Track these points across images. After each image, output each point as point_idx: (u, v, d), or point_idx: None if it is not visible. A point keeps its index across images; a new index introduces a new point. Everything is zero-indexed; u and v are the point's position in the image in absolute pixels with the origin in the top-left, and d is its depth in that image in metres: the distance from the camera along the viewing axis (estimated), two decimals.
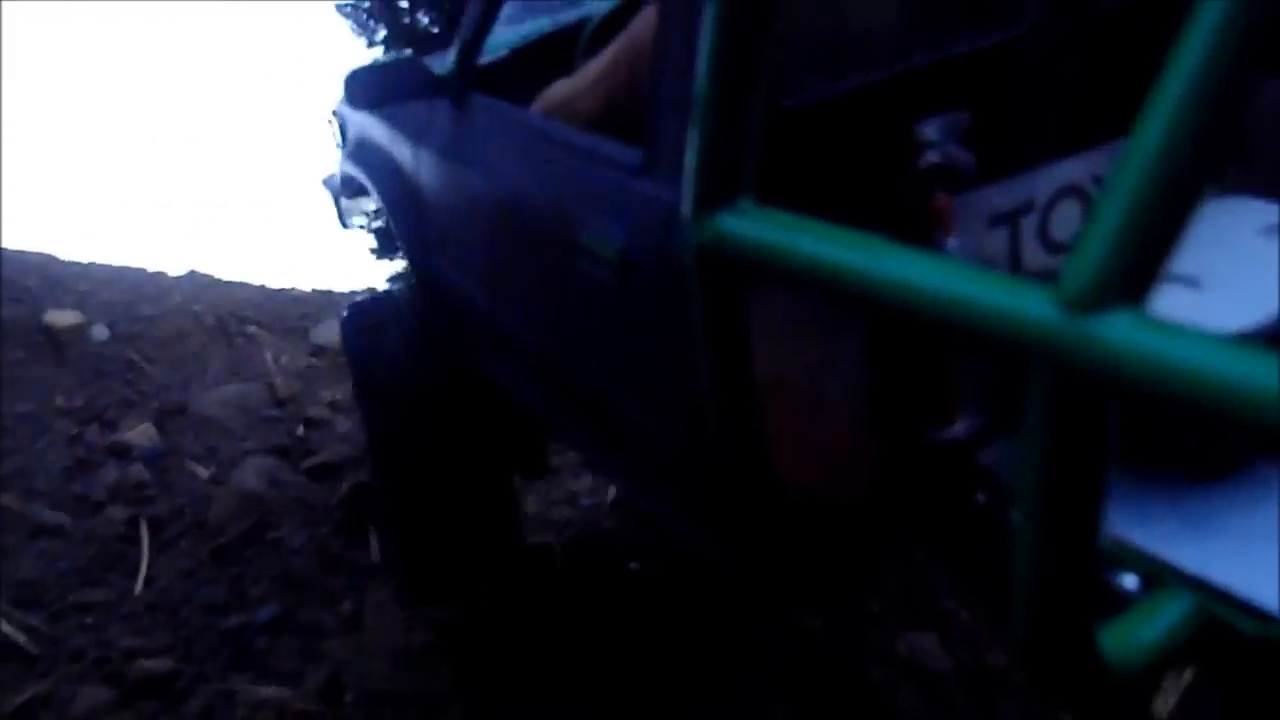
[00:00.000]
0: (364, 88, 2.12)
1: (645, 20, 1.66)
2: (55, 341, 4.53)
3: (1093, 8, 1.46)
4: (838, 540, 1.39)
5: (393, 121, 2.40)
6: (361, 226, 3.22)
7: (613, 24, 2.05)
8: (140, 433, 3.69)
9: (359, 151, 2.63)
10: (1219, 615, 0.97)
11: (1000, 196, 1.32)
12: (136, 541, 3.06)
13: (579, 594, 2.67)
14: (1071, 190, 1.36)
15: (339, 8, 8.82)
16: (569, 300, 1.65)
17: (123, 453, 3.59)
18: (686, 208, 1.02)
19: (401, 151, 2.33)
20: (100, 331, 4.68)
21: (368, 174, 2.51)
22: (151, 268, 5.90)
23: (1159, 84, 0.61)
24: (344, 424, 4.03)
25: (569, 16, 2.73)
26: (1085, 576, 0.76)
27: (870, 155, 1.32)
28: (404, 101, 2.17)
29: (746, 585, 1.81)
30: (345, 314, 2.52)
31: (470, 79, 2.08)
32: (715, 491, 1.36)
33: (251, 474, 3.32)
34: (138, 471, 3.45)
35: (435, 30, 8.24)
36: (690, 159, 1.00)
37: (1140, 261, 0.63)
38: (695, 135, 0.99)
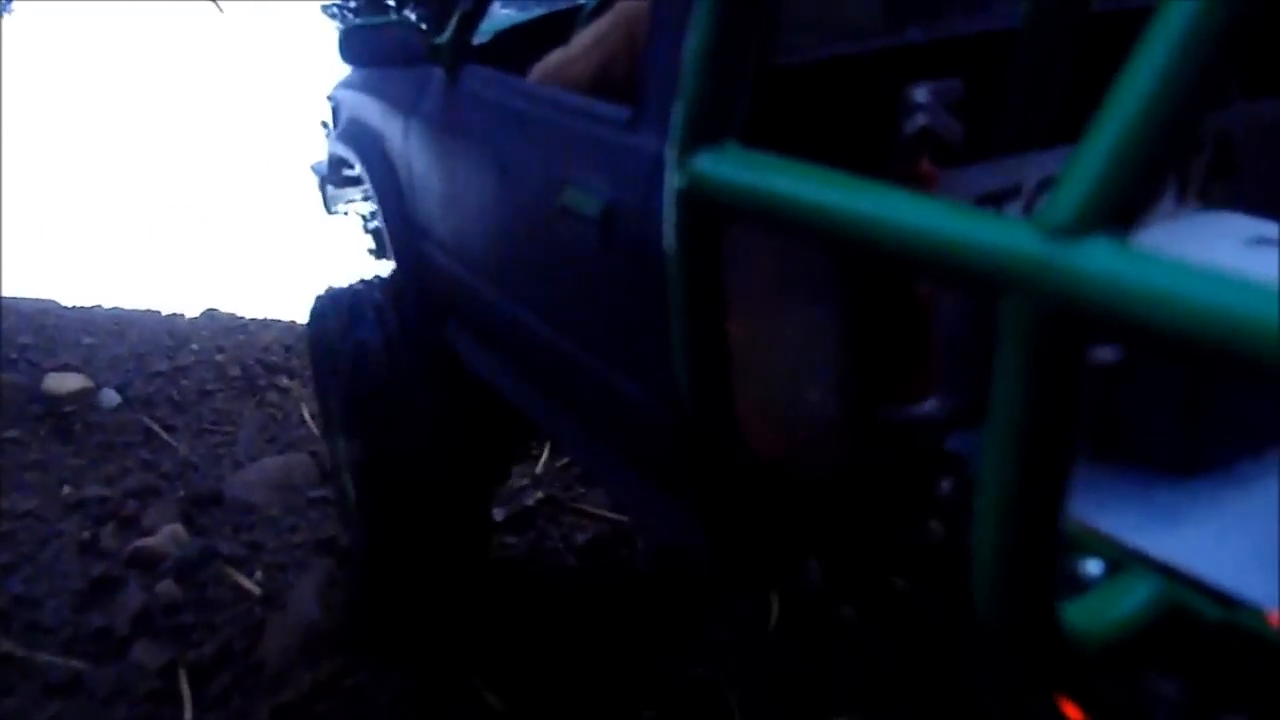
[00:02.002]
0: (359, 45, 2.11)
1: None
2: (58, 413, 3.85)
3: (1087, 6, 1.45)
4: (798, 516, 1.36)
5: (384, 96, 2.40)
6: (345, 213, 3.19)
7: (613, 1, 1.96)
8: (167, 536, 3.01)
9: (349, 130, 2.61)
10: (1184, 601, 0.96)
11: (987, 177, 1.32)
12: (175, 697, 2.38)
13: None
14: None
15: (324, 8, 8.70)
16: (553, 268, 1.65)
17: (148, 563, 2.91)
18: (672, 149, 1.02)
19: (391, 127, 2.32)
20: (109, 397, 4.00)
21: (356, 152, 2.49)
22: (164, 309, 5.22)
23: (1156, 15, 0.61)
24: None
25: (564, 4, 2.76)
26: (1053, 526, 0.74)
27: (859, 120, 1.32)
28: (396, 64, 2.17)
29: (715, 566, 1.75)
30: (313, 305, 2.51)
31: (467, 49, 2.06)
32: (688, 463, 1.36)
33: (310, 591, 2.64)
34: (168, 590, 2.77)
35: (423, 27, 7.95)
36: (680, 100, 1.00)
37: (1123, 190, 0.63)
38: (686, 76, 0.99)
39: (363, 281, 2.49)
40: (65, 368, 4.15)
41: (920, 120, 1.26)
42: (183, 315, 5.13)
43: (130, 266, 6.59)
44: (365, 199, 2.92)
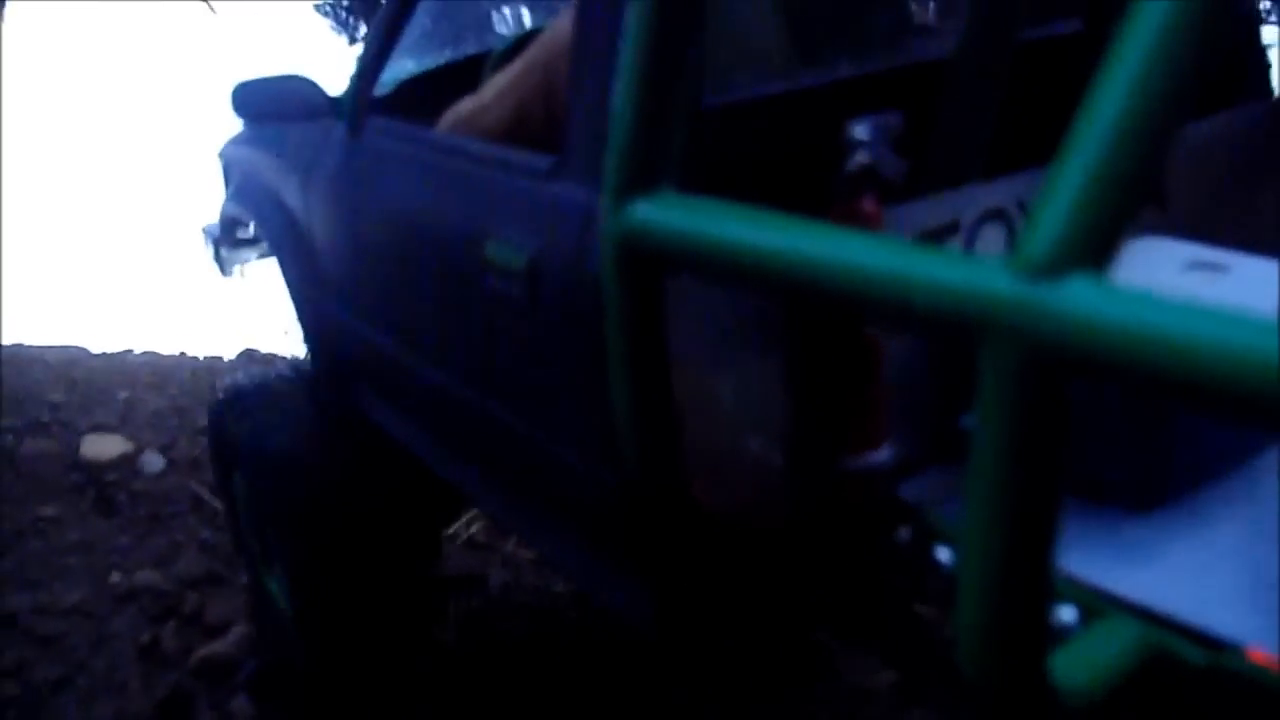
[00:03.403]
0: (252, 99, 2.03)
1: (559, 28, 1.61)
2: (98, 482, 3.49)
3: (1017, 37, 1.42)
4: (756, 580, 1.32)
5: (280, 153, 2.30)
6: (241, 275, 3.10)
7: (523, 46, 1.86)
8: (236, 638, 2.65)
9: (244, 189, 2.51)
10: (1165, 646, 0.92)
11: (927, 213, 1.29)
12: None
13: None
14: (996, 213, 1.34)
15: (317, 7, 8.62)
16: (474, 325, 1.57)
17: (218, 673, 2.55)
18: (606, 198, 0.98)
19: (289, 185, 2.22)
20: (153, 461, 3.64)
21: (252, 212, 2.41)
22: (199, 350, 4.86)
23: (1125, 34, 0.59)
24: (502, 577, 3.00)
25: (467, 50, 2.71)
26: (1043, 577, 0.71)
27: (795, 157, 1.28)
28: (295, 119, 2.08)
29: (664, 644, 1.66)
30: (219, 400, 2.44)
31: (368, 102, 1.98)
32: (632, 527, 1.30)
33: None
34: (244, 710, 2.42)
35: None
36: (611, 147, 0.97)
37: (1100, 225, 0.61)
38: (617, 122, 0.96)
39: (264, 375, 2.44)
40: (102, 428, 3.80)
41: (862, 157, 1.20)
42: (220, 358, 4.77)
43: (153, 301, 6.21)
44: (262, 258, 2.84)
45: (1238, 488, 1.16)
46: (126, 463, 3.60)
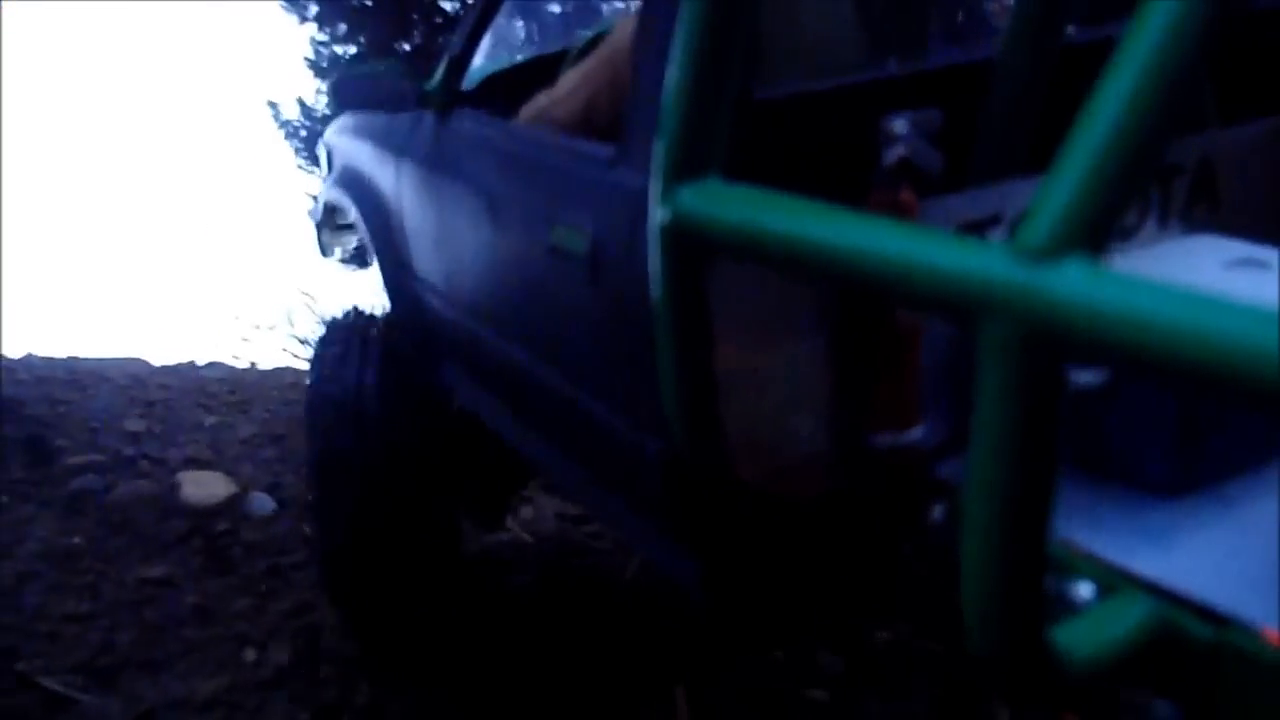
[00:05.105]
0: (349, 91, 2.21)
1: (627, 27, 1.67)
2: (206, 533, 3.05)
3: (1060, 37, 1.46)
4: (794, 552, 1.38)
5: (376, 141, 2.42)
6: (341, 259, 3.24)
7: (597, 44, 1.94)
8: None
9: (342, 177, 2.64)
10: (1176, 622, 0.95)
11: (968, 206, 1.32)
12: None
13: None
14: None
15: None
16: (543, 305, 1.68)
17: None
18: (655, 184, 1.02)
19: (384, 171, 2.33)
20: (262, 502, 3.21)
21: (350, 197, 2.52)
22: (268, 361, 4.39)
23: (1129, 35, 0.61)
24: None
25: (551, 49, 2.78)
26: (1039, 549, 0.74)
27: (839, 151, 1.32)
28: (387, 108, 2.24)
29: (714, 612, 1.72)
30: (322, 334, 2.49)
31: (456, 93, 2.10)
32: (678, 496, 1.38)
33: None
34: None
35: (368, 2, 8.19)
36: (661, 136, 1.01)
37: (1096, 211, 0.63)
38: (667, 112, 1.00)
39: (358, 317, 2.47)
40: (195, 463, 3.34)
41: (899, 150, 1.25)
42: (296, 371, 4.30)
43: (209, 307, 5.72)
44: (360, 243, 2.92)
45: (1270, 478, 1.18)
46: (233, 506, 3.16)
